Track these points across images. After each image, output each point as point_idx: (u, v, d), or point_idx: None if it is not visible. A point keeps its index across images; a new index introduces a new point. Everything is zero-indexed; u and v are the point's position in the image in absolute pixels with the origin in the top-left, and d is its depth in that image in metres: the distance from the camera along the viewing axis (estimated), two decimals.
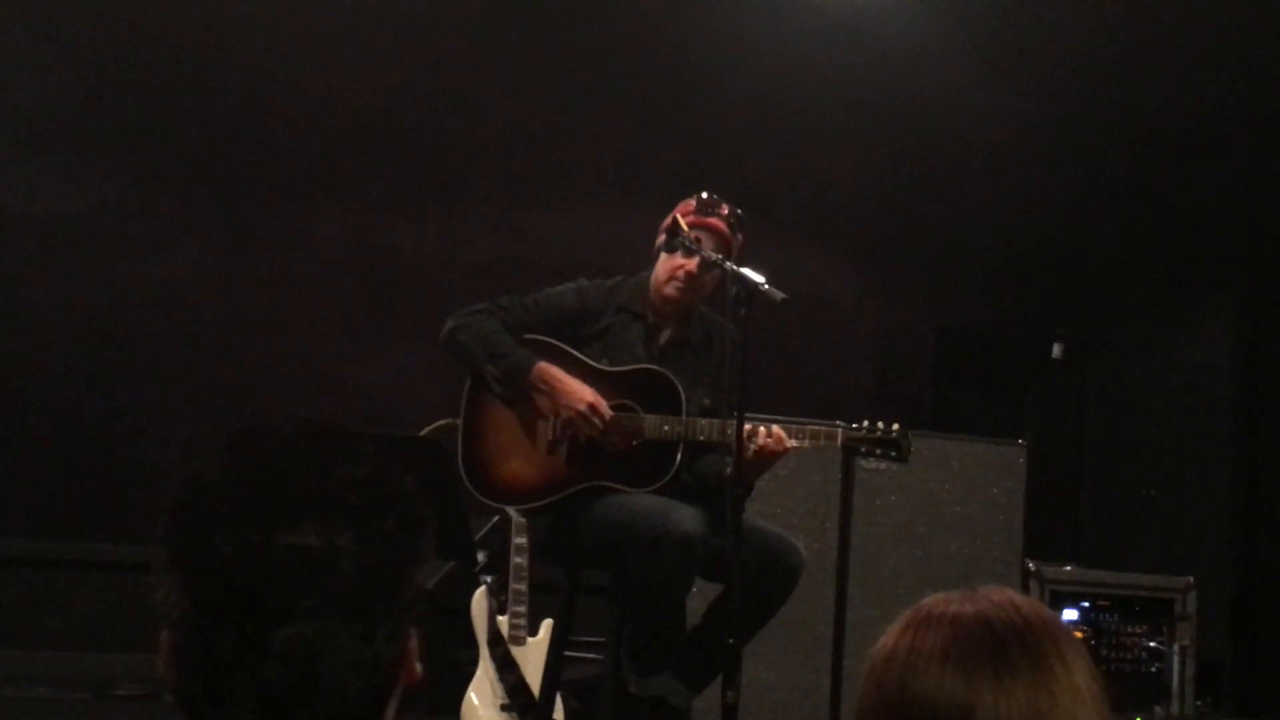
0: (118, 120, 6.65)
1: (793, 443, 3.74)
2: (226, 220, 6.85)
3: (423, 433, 4.74)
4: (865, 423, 3.83)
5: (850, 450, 3.92)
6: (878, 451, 3.84)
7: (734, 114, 6.94)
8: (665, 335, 4.04)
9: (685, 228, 3.81)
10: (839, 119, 7.04)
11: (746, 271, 3.52)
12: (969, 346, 7.46)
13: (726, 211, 3.93)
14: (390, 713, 1.26)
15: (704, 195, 3.96)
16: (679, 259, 3.89)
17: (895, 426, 3.84)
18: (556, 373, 3.85)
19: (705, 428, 3.79)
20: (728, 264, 3.61)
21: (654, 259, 4.03)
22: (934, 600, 1.39)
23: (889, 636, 1.38)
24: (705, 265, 3.82)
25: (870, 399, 7.14)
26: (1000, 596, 1.37)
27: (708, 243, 3.86)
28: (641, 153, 6.82)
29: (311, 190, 6.92)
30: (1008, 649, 1.32)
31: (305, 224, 6.95)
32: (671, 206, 3.99)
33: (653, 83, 6.93)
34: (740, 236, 3.96)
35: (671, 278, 3.93)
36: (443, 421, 4.42)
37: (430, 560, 1.27)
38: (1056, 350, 6.35)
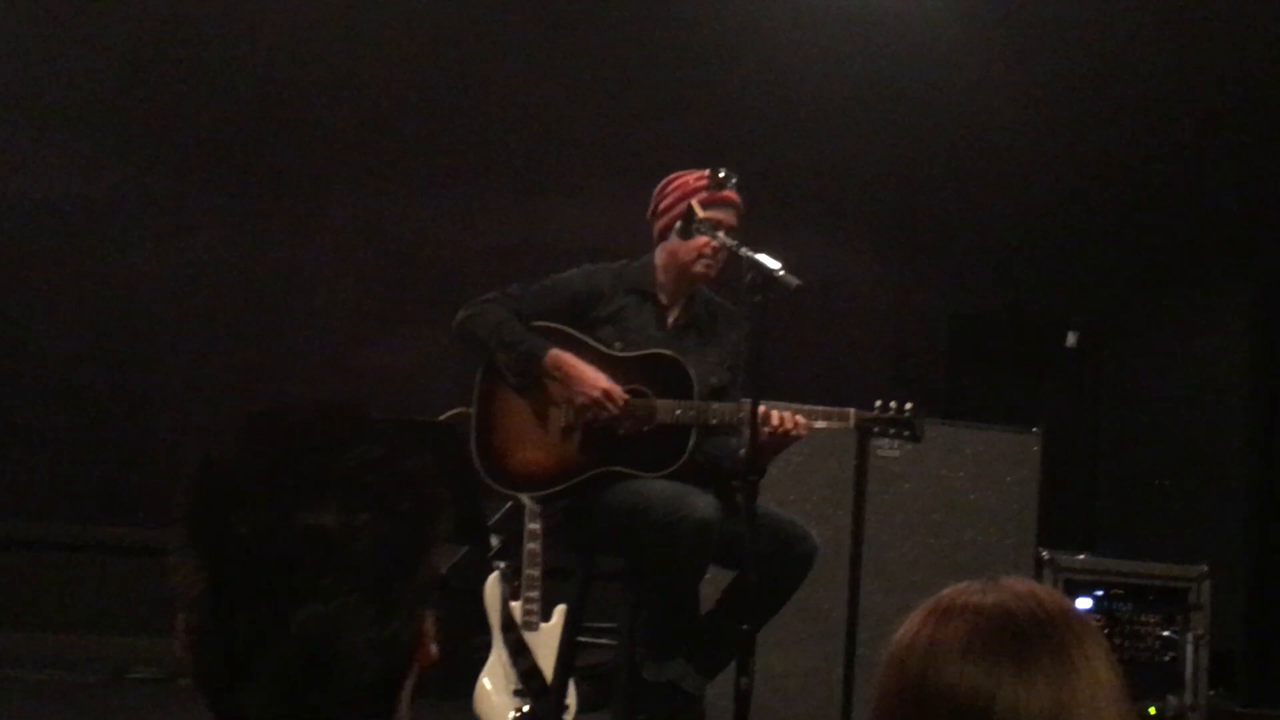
0: (133, 106, 6.66)
1: (810, 426, 3.73)
2: (242, 205, 6.86)
3: (439, 419, 4.75)
4: (878, 404, 3.83)
5: (864, 431, 3.91)
6: (891, 431, 3.85)
7: (750, 100, 6.93)
8: (674, 315, 4.04)
9: (700, 212, 3.80)
10: (855, 105, 7.01)
11: (762, 257, 3.51)
12: (984, 334, 7.43)
13: (734, 181, 3.94)
14: (406, 694, 1.27)
15: (708, 171, 3.94)
16: (679, 237, 3.89)
17: (908, 406, 3.83)
18: (569, 359, 3.85)
19: (718, 411, 3.79)
20: (744, 250, 3.60)
21: (657, 240, 4.03)
22: (955, 590, 1.38)
23: (909, 626, 1.37)
24: (722, 242, 3.82)
25: (884, 386, 7.07)
26: (1021, 587, 1.37)
27: (728, 217, 3.87)
28: (657, 138, 6.80)
29: (326, 176, 6.93)
30: (1029, 641, 1.31)
31: (320, 209, 6.96)
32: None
33: (669, 68, 6.92)
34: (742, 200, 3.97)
35: (700, 255, 3.92)
36: (457, 410, 4.43)
37: (446, 541, 1.27)
38: (1071, 338, 6.33)
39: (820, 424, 3.80)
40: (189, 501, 1.22)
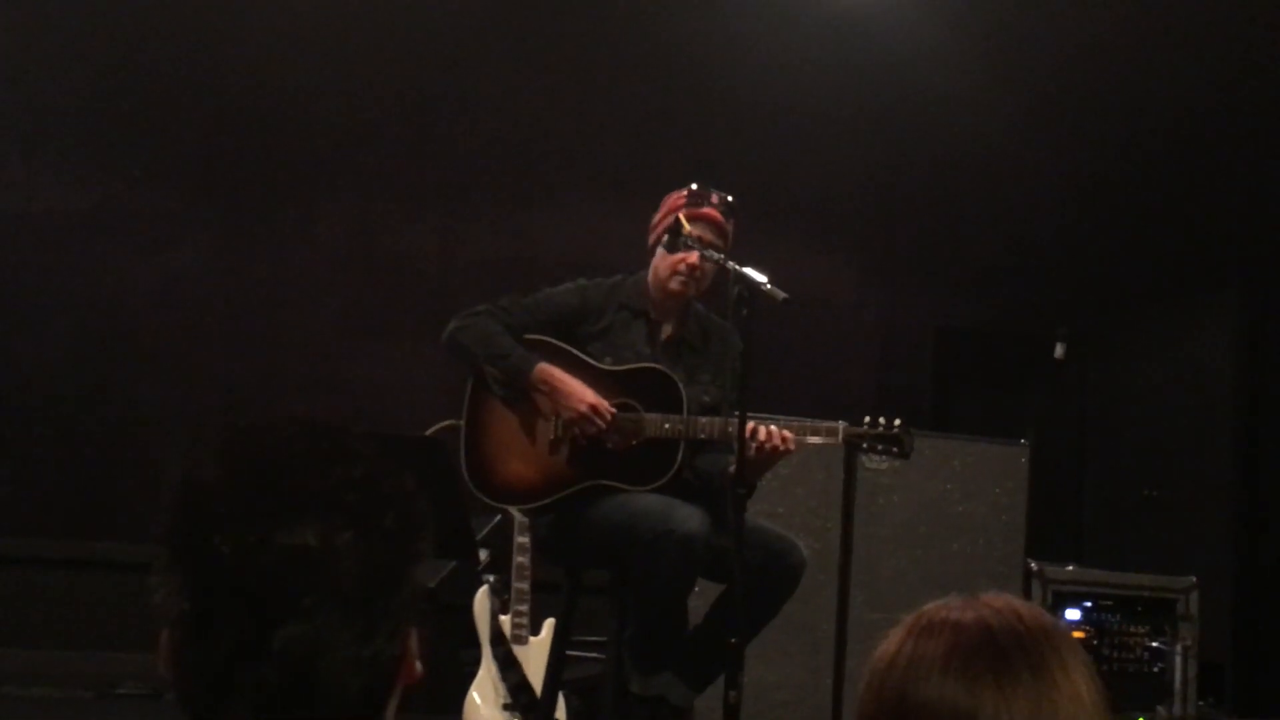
0: (119, 118, 6.65)
1: (799, 441, 3.74)
2: (228, 219, 6.86)
3: (426, 433, 4.75)
4: (867, 419, 3.84)
5: (852, 446, 3.92)
6: (879, 447, 3.85)
7: (736, 113, 6.94)
8: (666, 332, 4.05)
9: (687, 227, 3.81)
10: (841, 119, 7.04)
11: (748, 271, 3.52)
12: (970, 346, 7.45)
13: (717, 200, 3.94)
14: (390, 712, 1.27)
15: (694, 187, 3.97)
16: (665, 250, 3.90)
17: (897, 422, 3.84)
18: (557, 373, 3.85)
19: (706, 426, 3.79)
20: (730, 264, 3.60)
21: (650, 256, 4.04)
22: (934, 607, 1.38)
23: (889, 643, 1.37)
24: (705, 255, 3.82)
25: (871, 399, 7.13)
26: (1000, 603, 1.37)
27: (706, 233, 3.87)
28: (644, 152, 6.82)
29: (312, 189, 6.93)
30: (1009, 656, 1.31)
31: (306, 223, 6.96)
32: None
33: (655, 82, 6.93)
34: (732, 222, 3.97)
35: (674, 272, 3.93)
36: (446, 422, 4.43)
37: (429, 559, 1.28)
38: (1058, 350, 6.35)
39: (809, 439, 3.81)
40: (170, 521, 1.22)
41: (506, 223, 7.06)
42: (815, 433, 3.82)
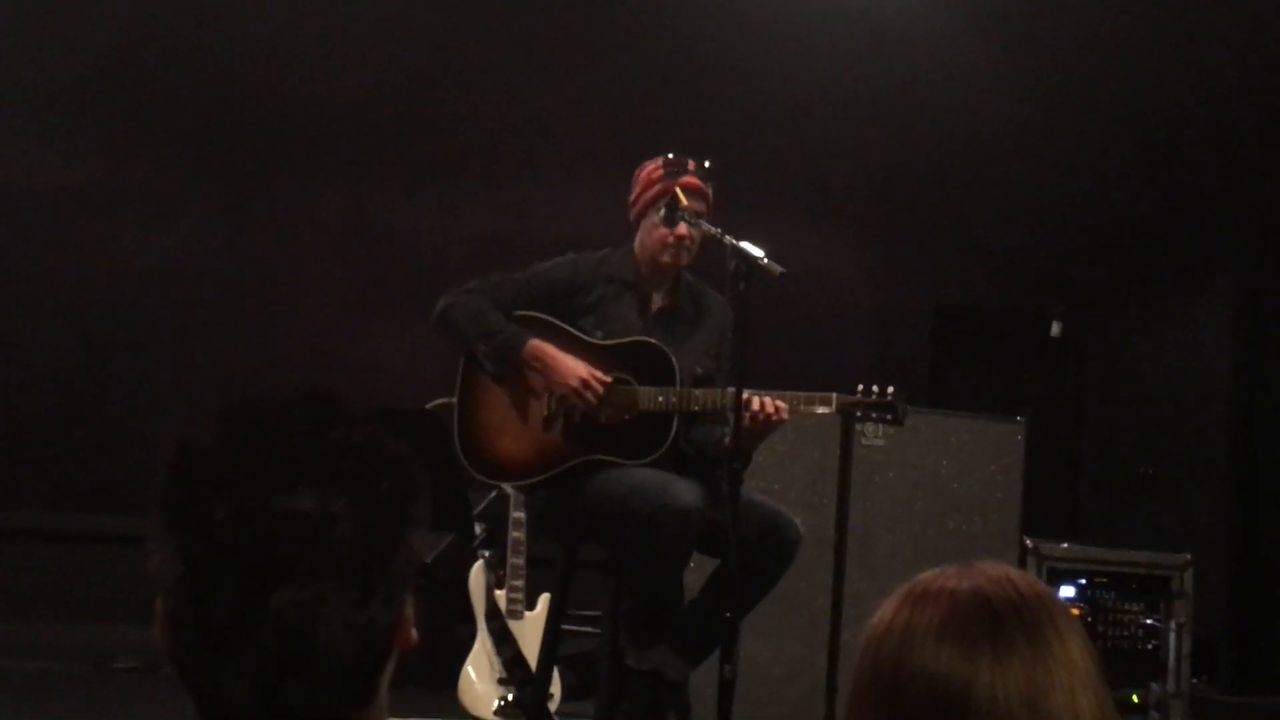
0: (116, 95, 6.64)
1: (792, 410, 3.74)
2: (224, 195, 6.85)
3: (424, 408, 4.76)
4: (860, 387, 3.84)
5: (846, 415, 3.92)
6: (874, 415, 3.85)
7: (734, 90, 6.92)
8: (656, 304, 4.04)
9: (685, 201, 3.80)
10: (840, 97, 7.02)
11: (745, 245, 3.52)
12: (968, 324, 7.44)
13: (694, 166, 3.93)
14: (385, 678, 1.27)
15: (670, 156, 3.95)
16: (663, 225, 3.89)
17: (890, 389, 3.84)
18: (549, 350, 3.84)
19: (700, 398, 3.79)
20: (727, 238, 3.60)
21: (633, 229, 4.03)
22: (930, 575, 1.38)
23: (884, 612, 1.37)
24: (704, 229, 3.82)
25: (869, 376, 7.09)
26: (996, 572, 1.36)
27: (688, 201, 3.85)
28: (640, 129, 6.79)
29: (309, 166, 6.91)
30: (1005, 625, 1.31)
31: (303, 200, 6.95)
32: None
33: (652, 58, 6.91)
34: (711, 186, 3.95)
35: (664, 244, 3.93)
36: (441, 400, 4.43)
37: (425, 525, 1.27)
38: (1055, 328, 6.34)
39: (803, 408, 3.81)
40: (166, 486, 1.22)
41: (503, 199, 7.05)
42: (809, 402, 3.82)
